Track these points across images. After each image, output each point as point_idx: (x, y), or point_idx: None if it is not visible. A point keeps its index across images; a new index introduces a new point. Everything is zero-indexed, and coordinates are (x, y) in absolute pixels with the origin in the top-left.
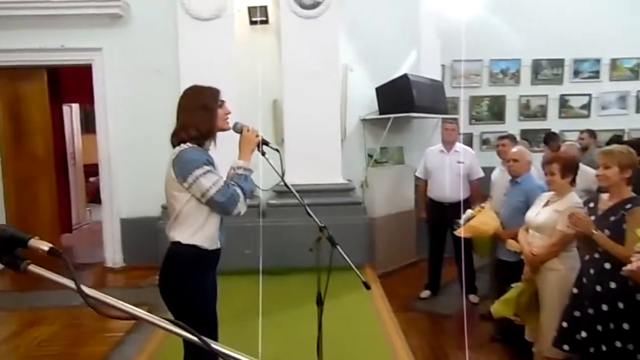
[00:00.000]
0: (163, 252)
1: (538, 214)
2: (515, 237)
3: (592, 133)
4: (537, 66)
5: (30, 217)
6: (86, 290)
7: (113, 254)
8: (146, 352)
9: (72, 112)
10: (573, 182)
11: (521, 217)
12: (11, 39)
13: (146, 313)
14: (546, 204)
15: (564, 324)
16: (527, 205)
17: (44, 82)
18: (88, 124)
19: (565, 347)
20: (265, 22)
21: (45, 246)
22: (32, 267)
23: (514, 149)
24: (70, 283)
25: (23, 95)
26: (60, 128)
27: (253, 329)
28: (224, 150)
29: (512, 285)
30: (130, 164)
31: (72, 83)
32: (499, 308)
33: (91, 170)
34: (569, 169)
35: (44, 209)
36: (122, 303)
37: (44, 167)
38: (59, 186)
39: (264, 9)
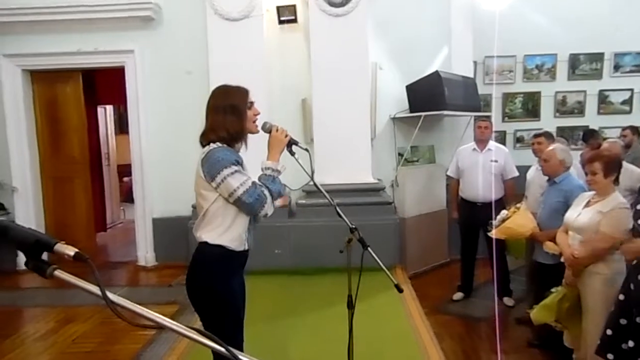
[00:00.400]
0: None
1: (579, 215)
2: (553, 239)
3: (635, 129)
4: (574, 61)
5: (67, 216)
6: (112, 297)
7: (145, 253)
8: (177, 351)
9: (106, 114)
10: (616, 181)
11: (559, 218)
12: (48, 43)
13: (172, 322)
14: (587, 205)
15: (609, 332)
16: (566, 206)
17: (79, 84)
18: (122, 125)
19: (610, 356)
20: (294, 21)
21: (71, 251)
22: (58, 273)
23: (550, 147)
24: (95, 289)
25: (60, 98)
26: (95, 129)
27: (283, 329)
28: (254, 150)
29: (552, 289)
30: (162, 164)
31: (107, 85)
32: (539, 314)
33: (125, 170)
34: (612, 167)
35: (79, 208)
36: (148, 311)
37: (80, 167)
38: (94, 186)
39: (292, 8)
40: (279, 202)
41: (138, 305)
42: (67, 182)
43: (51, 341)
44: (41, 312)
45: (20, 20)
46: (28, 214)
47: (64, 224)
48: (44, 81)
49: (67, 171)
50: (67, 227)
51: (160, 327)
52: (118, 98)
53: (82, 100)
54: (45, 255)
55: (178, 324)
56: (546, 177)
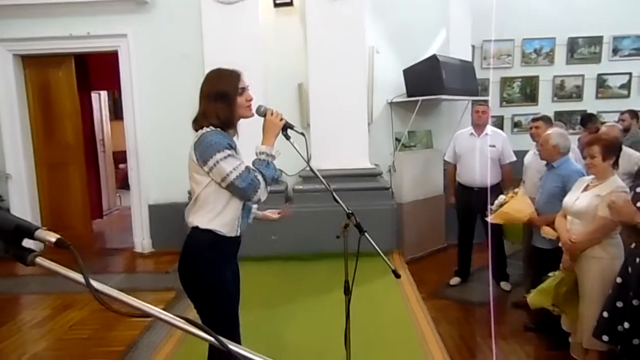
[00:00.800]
0: None
1: (577, 199)
2: (551, 224)
3: (634, 113)
4: (572, 44)
5: (63, 202)
6: (96, 285)
7: (142, 240)
8: (174, 337)
9: (100, 99)
10: (615, 165)
11: (557, 203)
12: (39, 27)
13: (159, 310)
14: (586, 189)
15: (605, 314)
16: (564, 190)
17: (71, 69)
18: (117, 111)
19: (605, 337)
20: (290, 4)
21: (52, 237)
22: (40, 260)
23: (547, 132)
24: (79, 277)
25: (52, 83)
26: (89, 115)
27: (279, 315)
28: (249, 134)
29: (550, 274)
30: (157, 150)
31: (100, 70)
32: (536, 298)
33: (121, 156)
34: (611, 151)
35: (75, 195)
36: (134, 299)
37: (74, 153)
38: (89, 172)
39: None
40: (276, 216)
41: (123, 294)
42: (62, 168)
43: (48, 328)
44: (37, 299)
45: (11, 3)
46: (23, 201)
47: (59, 211)
48: (36, 66)
49: (61, 157)
50: (63, 214)
51: (147, 316)
52: (112, 83)
53: (74, 86)
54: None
55: (165, 313)
56: (544, 162)
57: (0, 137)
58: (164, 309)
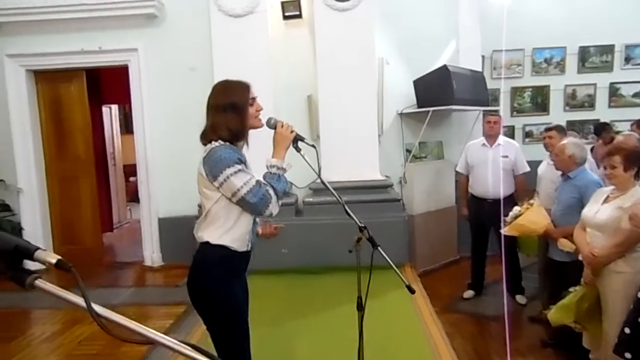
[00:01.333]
0: None
1: (598, 211)
2: (568, 236)
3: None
4: (584, 53)
5: (74, 216)
6: (98, 309)
7: (152, 253)
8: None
9: (111, 113)
10: (637, 176)
11: (574, 214)
12: (51, 42)
13: (164, 336)
14: (606, 200)
15: (627, 330)
16: (581, 202)
17: (83, 83)
18: (127, 125)
19: (628, 355)
20: (299, 16)
21: (52, 258)
22: (40, 283)
23: (562, 142)
24: (81, 301)
25: (64, 97)
26: (100, 129)
27: (289, 330)
28: (259, 147)
29: (570, 289)
30: (167, 164)
31: (111, 84)
32: (557, 315)
33: (131, 170)
34: (633, 161)
35: (85, 208)
36: (138, 324)
37: (85, 167)
38: (100, 186)
39: (297, 3)
40: (259, 230)
41: (126, 319)
42: (73, 182)
43: (57, 343)
44: (47, 314)
45: (23, 20)
46: (34, 214)
47: (70, 224)
48: (48, 81)
49: (72, 171)
50: (74, 228)
51: (150, 342)
52: (123, 97)
53: (86, 100)
54: None
55: (170, 339)
56: (558, 173)
57: (12, 151)
58: (173, 324)
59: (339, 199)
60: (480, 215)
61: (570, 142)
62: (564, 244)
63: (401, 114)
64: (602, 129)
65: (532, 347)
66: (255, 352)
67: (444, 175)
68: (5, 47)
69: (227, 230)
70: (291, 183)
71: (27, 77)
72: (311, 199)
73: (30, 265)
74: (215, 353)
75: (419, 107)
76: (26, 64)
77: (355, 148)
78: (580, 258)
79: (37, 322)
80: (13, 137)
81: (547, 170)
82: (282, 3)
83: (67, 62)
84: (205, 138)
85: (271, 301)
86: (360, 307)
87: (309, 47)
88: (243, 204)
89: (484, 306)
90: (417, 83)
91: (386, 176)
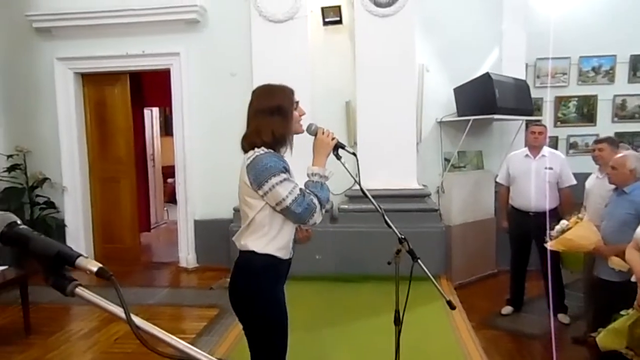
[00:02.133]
0: (234, 255)
1: None
2: (620, 254)
3: None
4: (635, 62)
5: (113, 215)
6: (137, 321)
7: (187, 255)
8: (216, 355)
9: (152, 116)
10: None
11: (628, 232)
12: (98, 46)
13: (201, 352)
14: None
15: None
16: (638, 219)
17: (126, 86)
18: (167, 127)
19: None
20: (339, 22)
21: (94, 266)
22: (80, 290)
23: (621, 155)
24: (120, 312)
25: (108, 100)
26: (141, 131)
27: (323, 337)
28: (298, 153)
29: (622, 312)
30: (205, 167)
31: (153, 87)
32: (607, 339)
33: (169, 171)
34: None
35: (125, 209)
36: (175, 338)
37: (126, 168)
38: (139, 186)
39: (337, 9)
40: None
41: (165, 332)
42: (114, 182)
43: (94, 340)
44: (86, 311)
45: (72, 24)
46: (77, 213)
47: (110, 223)
48: (94, 83)
49: (113, 172)
50: (113, 227)
51: (188, 359)
52: (164, 100)
53: (129, 102)
54: None
55: (207, 356)
56: (608, 187)
57: (59, 150)
58: (207, 326)
59: (379, 208)
60: (522, 228)
61: (631, 155)
62: (616, 263)
63: (440, 122)
64: None
65: None
66: (288, 358)
67: (483, 186)
68: (55, 50)
69: (272, 238)
70: (330, 192)
71: (74, 80)
72: (346, 206)
73: None
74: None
75: (459, 115)
76: (74, 67)
77: (393, 156)
78: (633, 279)
79: (76, 318)
80: (60, 137)
81: (595, 185)
82: (323, 9)
83: (112, 66)
84: (248, 142)
85: (305, 307)
86: (398, 322)
87: (348, 53)
88: (287, 213)
89: (523, 323)
90: (457, 91)
91: (424, 185)
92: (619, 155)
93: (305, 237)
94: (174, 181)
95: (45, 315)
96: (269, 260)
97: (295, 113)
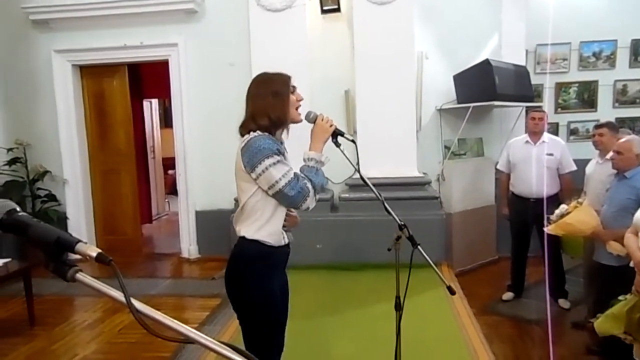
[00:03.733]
0: None
1: None
2: (619, 239)
3: None
4: (637, 47)
5: (115, 207)
6: (137, 305)
7: (189, 245)
8: None
9: (152, 107)
10: None
11: (627, 217)
12: (96, 38)
13: (202, 335)
14: None
15: None
16: (638, 203)
17: (125, 78)
18: (167, 119)
19: None
20: (337, 10)
21: (93, 252)
22: (80, 276)
23: (625, 139)
24: (120, 296)
25: (107, 92)
26: (141, 122)
27: (324, 325)
28: (297, 140)
29: (620, 297)
30: (205, 157)
31: (152, 79)
32: (605, 324)
33: (170, 163)
34: None
35: (126, 200)
36: (177, 322)
37: (126, 160)
38: (140, 178)
39: None
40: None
41: (166, 316)
42: (114, 174)
43: (98, 330)
44: (90, 302)
45: (70, 16)
46: (78, 205)
47: (111, 215)
48: (93, 75)
49: (114, 164)
50: (115, 219)
51: (190, 342)
52: (163, 91)
53: (128, 94)
54: None
55: (209, 339)
56: (608, 172)
57: (59, 143)
58: (209, 316)
59: (379, 196)
60: (522, 214)
61: (636, 139)
62: (614, 247)
63: (440, 110)
64: None
65: (576, 354)
66: (289, 347)
67: (484, 173)
68: (53, 42)
69: (263, 224)
70: (327, 178)
71: (73, 72)
72: (347, 195)
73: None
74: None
75: (458, 102)
76: (72, 59)
77: (393, 144)
78: (631, 264)
79: (79, 309)
80: (59, 130)
81: (596, 170)
82: None
83: (110, 57)
84: (244, 127)
85: (306, 296)
86: (399, 307)
87: (347, 42)
88: (280, 196)
89: (524, 309)
90: (457, 78)
91: (424, 173)
92: (623, 139)
93: (292, 222)
94: (175, 173)
95: (49, 306)
96: (258, 247)
97: (293, 97)
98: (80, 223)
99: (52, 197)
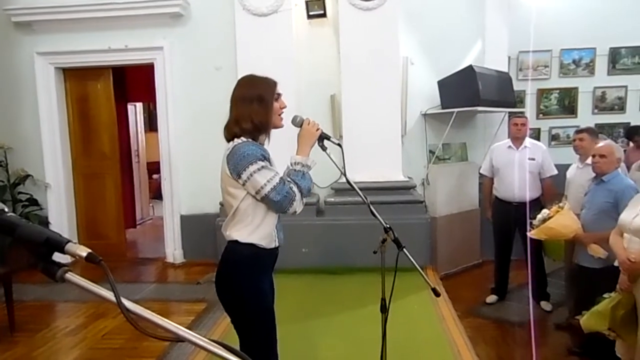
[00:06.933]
0: (221, 249)
1: (636, 216)
2: (599, 242)
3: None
4: (615, 55)
5: (98, 212)
6: (128, 304)
7: (173, 250)
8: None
9: (136, 111)
10: None
11: (607, 220)
12: (79, 41)
13: (192, 333)
14: None
15: None
16: (616, 207)
17: (109, 81)
18: (152, 123)
19: None
20: (323, 15)
21: (83, 252)
22: (70, 276)
23: (602, 144)
24: (110, 295)
25: (91, 95)
26: (125, 126)
27: (310, 329)
28: (284, 144)
29: (605, 295)
30: (190, 162)
31: (137, 82)
32: (590, 321)
33: (155, 167)
34: None
35: (110, 205)
36: (167, 321)
37: (110, 164)
38: (124, 182)
39: (321, 3)
40: None
41: (156, 315)
42: (98, 178)
43: (81, 336)
44: (72, 307)
45: (53, 18)
46: (60, 210)
47: (94, 220)
48: (76, 78)
49: (97, 168)
50: (98, 223)
51: (180, 340)
52: (148, 95)
53: (112, 98)
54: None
55: (199, 337)
56: (588, 176)
57: (41, 146)
58: (194, 320)
59: (365, 199)
60: (505, 218)
61: (614, 144)
62: (595, 250)
63: (425, 115)
64: (634, 133)
65: (558, 355)
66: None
67: (468, 178)
68: (35, 45)
69: (255, 228)
70: (314, 183)
71: (56, 75)
72: (333, 199)
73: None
74: (239, 349)
75: (443, 108)
76: (55, 61)
77: (378, 148)
78: (615, 264)
79: (61, 315)
80: (42, 133)
81: (576, 174)
82: (307, 2)
83: (94, 60)
84: (228, 131)
85: (292, 300)
86: (384, 309)
87: (332, 47)
88: (267, 201)
89: (507, 312)
90: (441, 84)
91: (409, 177)
92: (603, 144)
93: None
94: (159, 177)
95: (30, 312)
96: (253, 249)
97: (276, 104)
98: (62, 228)
99: (33, 202)
